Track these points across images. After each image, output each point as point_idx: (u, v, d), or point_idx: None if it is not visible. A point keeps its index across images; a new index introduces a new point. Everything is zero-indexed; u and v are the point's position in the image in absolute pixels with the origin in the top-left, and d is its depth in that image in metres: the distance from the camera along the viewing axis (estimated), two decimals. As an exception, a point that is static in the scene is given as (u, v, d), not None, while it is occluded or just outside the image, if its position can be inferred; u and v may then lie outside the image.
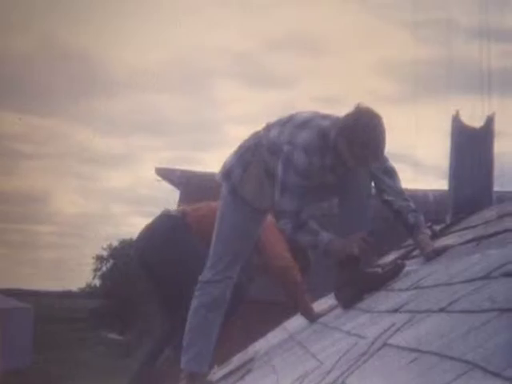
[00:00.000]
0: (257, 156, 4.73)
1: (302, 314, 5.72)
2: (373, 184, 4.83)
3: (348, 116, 4.55)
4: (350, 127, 4.49)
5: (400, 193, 4.83)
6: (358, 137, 4.45)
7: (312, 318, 5.49)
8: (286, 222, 4.60)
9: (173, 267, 5.58)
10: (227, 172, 4.86)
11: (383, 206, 4.88)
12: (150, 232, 5.84)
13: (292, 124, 4.65)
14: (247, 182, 4.76)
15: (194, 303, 4.85)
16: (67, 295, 64.31)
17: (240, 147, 4.88)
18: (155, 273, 5.79)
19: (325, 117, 4.70)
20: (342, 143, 4.50)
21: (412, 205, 4.85)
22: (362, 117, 4.49)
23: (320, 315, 5.40)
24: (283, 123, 4.71)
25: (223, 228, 4.85)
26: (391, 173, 4.83)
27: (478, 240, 4.41)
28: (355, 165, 4.56)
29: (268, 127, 4.79)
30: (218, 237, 4.86)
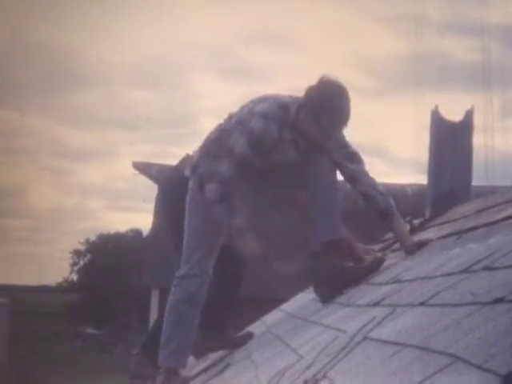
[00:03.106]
0: (222, 148, 4.70)
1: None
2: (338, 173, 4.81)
3: (312, 87, 4.54)
4: (316, 97, 4.49)
5: (365, 176, 4.80)
6: (325, 105, 4.44)
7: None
8: (214, 187, 4.56)
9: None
10: (194, 166, 4.83)
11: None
12: (164, 195, 5.76)
13: (252, 101, 4.69)
14: None
15: (171, 299, 4.83)
16: (44, 290, 64.05)
17: (205, 140, 4.86)
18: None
19: (285, 96, 4.71)
20: (307, 115, 4.50)
21: (380, 188, 4.81)
22: (327, 86, 4.50)
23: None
24: (243, 105, 4.73)
25: (194, 222, 4.81)
26: (354, 157, 4.80)
27: (457, 234, 4.42)
28: (320, 137, 4.54)
29: (230, 116, 4.79)
30: (189, 231, 4.82)
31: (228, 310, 5.30)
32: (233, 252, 5.08)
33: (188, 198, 4.88)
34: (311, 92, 4.52)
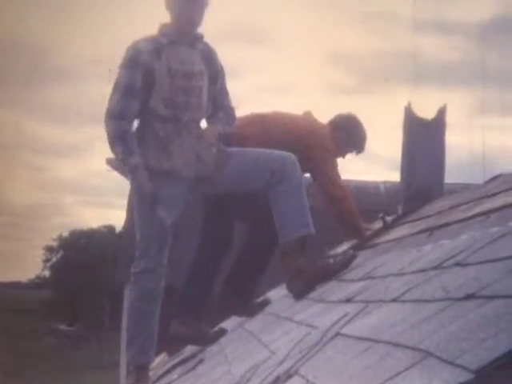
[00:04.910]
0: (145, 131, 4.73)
1: (357, 238, 5.96)
2: None
3: None
4: None
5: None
6: None
7: (362, 238, 5.83)
8: (111, 123, 4.59)
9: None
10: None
11: None
12: None
13: None
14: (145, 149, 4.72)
15: (131, 296, 4.79)
16: (16, 286, 63.75)
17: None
18: None
19: None
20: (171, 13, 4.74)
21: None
22: None
23: (370, 237, 5.81)
24: None
25: (144, 216, 4.73)
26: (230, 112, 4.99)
27: (429, 231, 4.44)
28: (186, 22, 4.75)
29: None
30: (141, 226, 4.74)
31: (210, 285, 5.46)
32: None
33: (133, 193, 4.81)
34: None
